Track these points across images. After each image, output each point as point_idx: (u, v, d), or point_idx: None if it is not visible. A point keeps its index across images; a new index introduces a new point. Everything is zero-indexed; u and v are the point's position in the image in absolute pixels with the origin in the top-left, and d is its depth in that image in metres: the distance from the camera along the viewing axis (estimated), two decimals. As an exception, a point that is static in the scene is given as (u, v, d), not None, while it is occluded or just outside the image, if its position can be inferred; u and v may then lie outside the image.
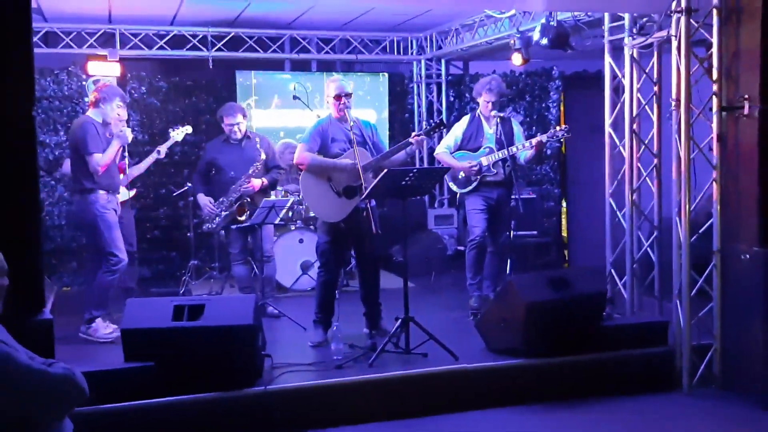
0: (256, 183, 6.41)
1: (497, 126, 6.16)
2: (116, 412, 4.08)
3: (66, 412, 2.65)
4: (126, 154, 6.66)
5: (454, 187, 6.38)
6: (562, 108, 9.41)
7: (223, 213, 6.43)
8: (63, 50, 8.04)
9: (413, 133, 5.41)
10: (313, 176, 5.43)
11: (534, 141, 6.02)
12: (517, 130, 6.33)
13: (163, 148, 6.70)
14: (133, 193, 6.65)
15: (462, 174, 6.22)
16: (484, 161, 6.16)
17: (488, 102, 6.22)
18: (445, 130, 6.52)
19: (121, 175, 6.49)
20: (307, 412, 4.44)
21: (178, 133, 6.80)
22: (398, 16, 8.15)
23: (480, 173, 6.16)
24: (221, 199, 6.45)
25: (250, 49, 8.59)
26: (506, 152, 6.07)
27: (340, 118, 5.48)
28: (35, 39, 7.41)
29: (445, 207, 9.43)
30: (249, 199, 6.40)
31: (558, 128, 6.18)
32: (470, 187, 6.23)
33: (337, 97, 5.42)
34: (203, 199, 6.57)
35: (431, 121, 9.01)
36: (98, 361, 4.74)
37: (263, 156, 6.40)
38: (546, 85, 9.45)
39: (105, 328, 5.46)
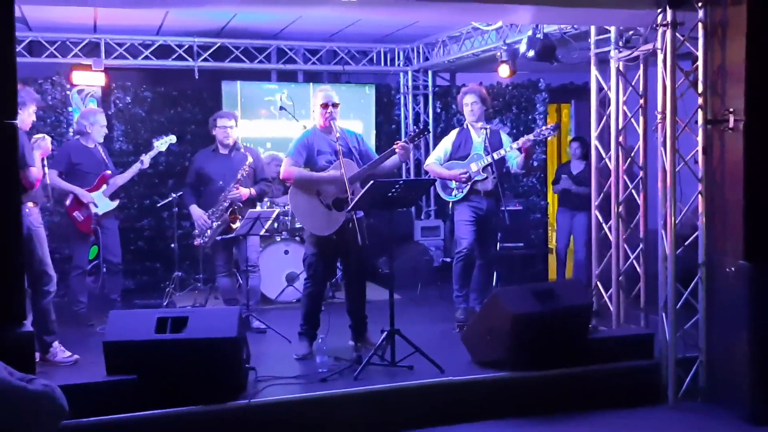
0: (244, 191, 6.37)
1: (485, 135, 6.15)
2: (98, 425, 4.01)
3: (46, 430, 2.61)
4: (109, 162, 6.63)
5: (445, 196, 6.35)
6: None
7: (215, 224, 6.38)
8: (47, 60, 7.98)
9: (397, 142, 5.40)
10: (302, 191, 5.40)
11: (521, 141, 5.99)
12: (506, 139, 6.32)
13: (146, 158, 6.66)
14: (116, 203, 6.58)
15: (454, 183, 6.21)
16: (473, 167, 6.14)
17: (470, 104, 6.20)
18: (430, 135, 6.51)
19: (104, 186, 6.45)
20: (291, 426, 4.39)
21: (162, 143, 6.77)
22: (385, 27, 8.16)
23: (470, 180, 6.16)
24: (212, 210, 6.41)
25: (236, 60, 8.57)
26: (496, 155, 6.05)
27: (325, 129, 5.46)
28: (19, 48, 7.37)
29: (431, 218, 9.41)
30: (241, 205, 6.37)
31: (544, 127, 6.17)
32: (460, 195, 6.21)
33: (324, 106, 5.42)
34: (197, 211, 6.48)
35: (415, 127, 9.02)
36: (80, 374, 4.68)
37: (250, 159, 6.37)
38: (532, 97, 9.47)
39: (63, 352, 5.17)
